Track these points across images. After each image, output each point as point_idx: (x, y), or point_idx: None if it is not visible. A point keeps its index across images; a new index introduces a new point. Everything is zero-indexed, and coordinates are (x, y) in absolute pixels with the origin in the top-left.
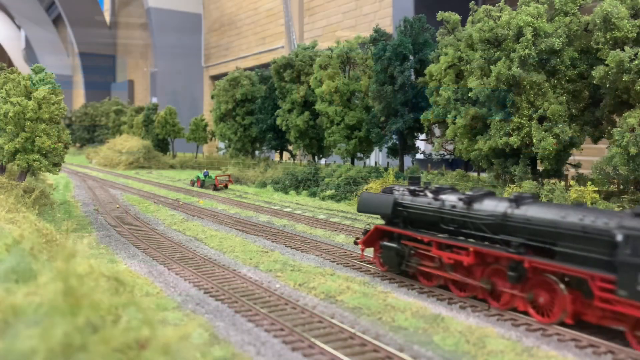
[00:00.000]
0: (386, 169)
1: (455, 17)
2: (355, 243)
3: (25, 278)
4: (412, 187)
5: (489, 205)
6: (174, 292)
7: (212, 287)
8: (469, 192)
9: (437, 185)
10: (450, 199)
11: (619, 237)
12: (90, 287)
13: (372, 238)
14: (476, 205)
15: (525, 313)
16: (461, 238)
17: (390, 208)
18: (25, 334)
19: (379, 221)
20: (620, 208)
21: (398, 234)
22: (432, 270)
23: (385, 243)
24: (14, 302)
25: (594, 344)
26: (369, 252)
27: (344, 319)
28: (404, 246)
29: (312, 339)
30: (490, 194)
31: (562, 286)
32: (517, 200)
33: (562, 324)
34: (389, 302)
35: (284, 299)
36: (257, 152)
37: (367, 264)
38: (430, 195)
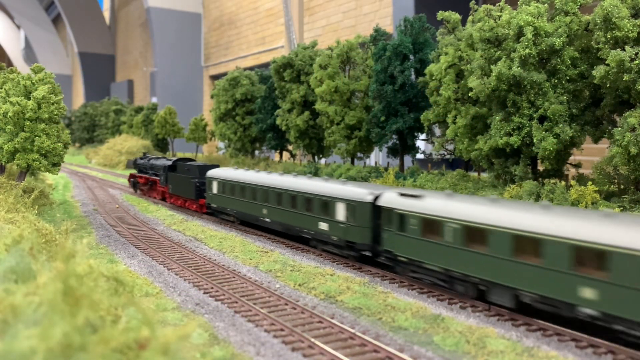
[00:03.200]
0: (386, 169)
1: (455, 16)
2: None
3: (24, 278)
4: (143, 156)
5: (153, 161)
6: (173, 293)
7: (212, 288)
8: (152, 156)
9: (149, 155)
10: (146, 160)
11: (164, 167)
12: (90, 287)
13: (130, 179)
14: (151, 161)
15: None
16: (149, 174)
17: (133, 164)
18: (25, 334)
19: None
20: (621, 208)
21: (135, 175)
22: (143, 189)
23: (132, 180)
24: (14, 302)
25: (594, 344)
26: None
27: (344, 319)
28: (136, 180)
29: (312, 339)
30: (156, 157)
31: (161, 184)
32: (158, 159)
33: (562, 324)
34: (389, 303)
35: (284, 299)
36: (257, 152)
37: (135, 194)
38: (145, 158)
